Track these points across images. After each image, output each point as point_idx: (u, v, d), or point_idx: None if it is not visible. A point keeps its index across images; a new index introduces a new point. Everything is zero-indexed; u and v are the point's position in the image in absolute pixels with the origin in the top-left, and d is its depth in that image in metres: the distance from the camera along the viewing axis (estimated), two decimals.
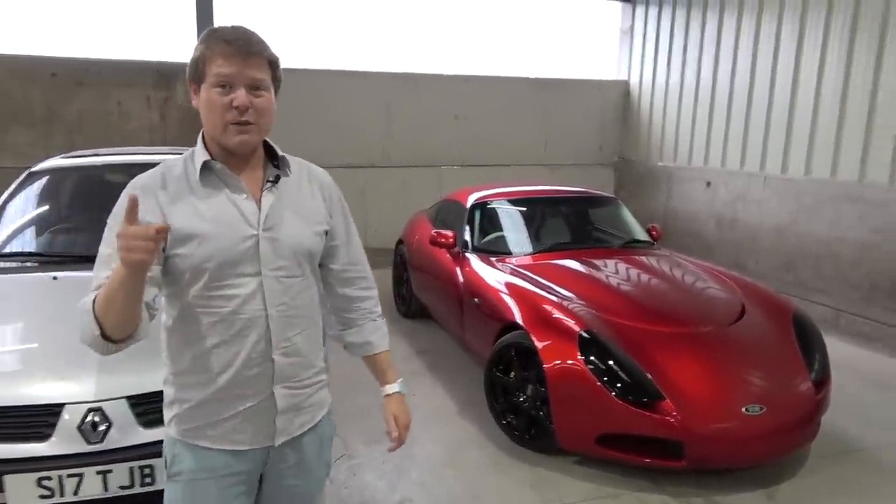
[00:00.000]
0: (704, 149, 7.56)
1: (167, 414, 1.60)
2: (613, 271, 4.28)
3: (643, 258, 4.54)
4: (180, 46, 7.05)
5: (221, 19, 6.99)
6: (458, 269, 4.58)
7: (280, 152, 1.58)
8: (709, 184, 7.44)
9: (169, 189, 1.49)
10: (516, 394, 3.59)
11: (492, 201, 5.04)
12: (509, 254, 4.55)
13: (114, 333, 1.37)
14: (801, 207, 6.17)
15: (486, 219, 4.95)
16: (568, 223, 5.14)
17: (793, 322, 3.69)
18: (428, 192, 8.06)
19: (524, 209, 5.04)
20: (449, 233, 4.73)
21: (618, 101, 9.04)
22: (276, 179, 1.55)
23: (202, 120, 1.48)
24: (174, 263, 1.46)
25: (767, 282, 6.20)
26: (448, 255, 4.79)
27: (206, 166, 1.49)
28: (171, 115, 7.00)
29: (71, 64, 6.65)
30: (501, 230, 4.89)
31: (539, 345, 3.37)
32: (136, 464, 2.34)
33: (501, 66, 8.70)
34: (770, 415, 3.10)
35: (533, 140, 8.84)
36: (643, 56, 8.65)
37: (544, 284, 3.94)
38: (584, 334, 3.31)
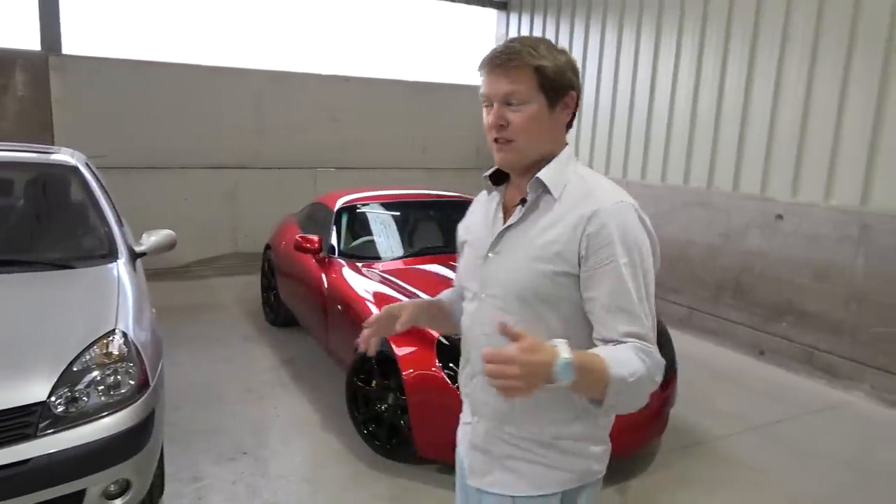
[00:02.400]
0: None
1: None
2: None
3: None
4: (20, 31, 6.38)
5: (65, 2, 6.40)
6: (323, 275, 4.43)
7: (540, 173, 1.37)
8: None
9: (482, 197, 1.59)
10: (377, 403, 3.50)
11: (359, 205, 4.93)
12: (377, 259, 4.46)
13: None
14: (659, 212, 6.53)
15: (354, 223, 4.83)
16: (436, 227, 5.13)
17: None
18: (303, 195, 7.78)
19: (393, 213, 4.97)
20: (314, 237, 4.57)
21: None
22: (524, 202, 1.40)
23: None
24: None
25: None
26: (314, 261, 4.62)
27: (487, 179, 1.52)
28: (7, 106, 6.31)
29: None
30: (369, 235, 4.80)
31: (398, 352, 3.29)
32: None
33: (379, 68, 8.60)
34: None
35: (412, 143, 8.81)
36: None
37: (408, 290, 3.87)
38: (443, 340, 3.28)
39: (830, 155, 4.98)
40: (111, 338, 2.51)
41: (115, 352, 2.47)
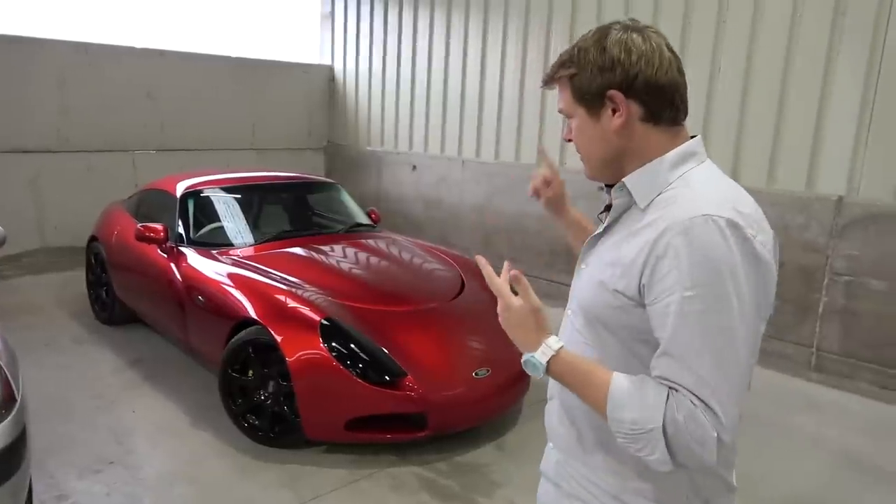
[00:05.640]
0: (409, 134, 8.03)
1: None
2: (342, 256, 4.31)
3: (368, 241, 4.66)
4: None
5: None
6: (173, 266, 4.16)
7: (626, 178, 1.20)
8: (414, 167, 7.93)
9: None
10: (257, 392, 3.41)
11: (205, 189, 4.66)
12: (231, 245, 4.28)
13: None
14: (494, 188, 6.96)
15: (201, 209, 4.56)
16: (290, 210, 5.04)
17: None
18: (121, 181, 7.15)
19: (242, 197, 4.77)
20: (159, 226, 4.25)
21: (324, 86, 9.06)
22: (607, 209, 1.28)
23: None
24: None
25: (471, 256, 6.89)
26: (160, 252, 4.31)
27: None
28: None
29: None
30: (220, 220, 4.56)
31: (279, 338, 3.24)
32: None
33: (199, 43, 8.05)
34: (495, 375, 3.47)
35: (239, 123, 8.40)
36: (345, 42, 8.79)
37: (275, 275, 3.79)
38: (325, 322, 3.29)
39: None
40: None
41: None
